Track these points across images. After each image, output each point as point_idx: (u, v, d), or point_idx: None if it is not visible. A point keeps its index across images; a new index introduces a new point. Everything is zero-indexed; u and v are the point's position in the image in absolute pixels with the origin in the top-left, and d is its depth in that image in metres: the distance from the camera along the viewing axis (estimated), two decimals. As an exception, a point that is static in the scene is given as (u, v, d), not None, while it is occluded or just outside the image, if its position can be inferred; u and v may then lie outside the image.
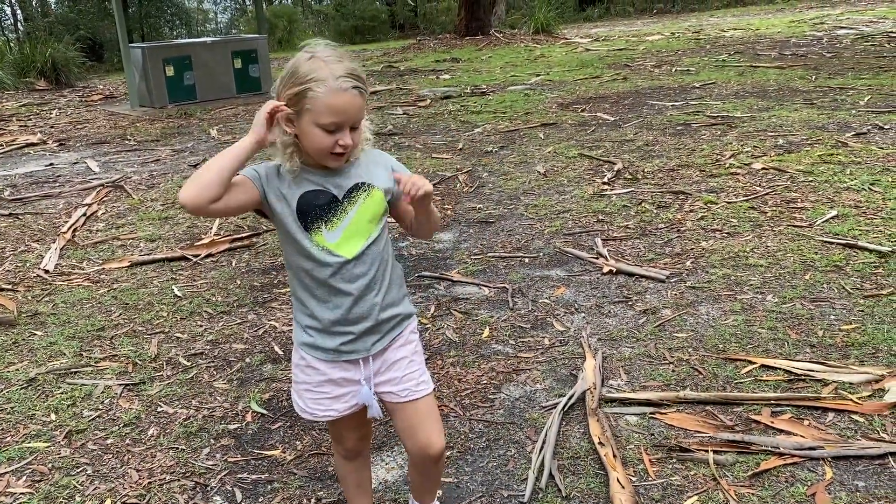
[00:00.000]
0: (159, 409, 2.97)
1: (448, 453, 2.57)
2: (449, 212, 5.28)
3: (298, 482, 2.48)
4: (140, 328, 3.71)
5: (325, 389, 1.84)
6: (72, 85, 14.66)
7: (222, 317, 3.79)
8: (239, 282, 4.23)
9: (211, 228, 5.19)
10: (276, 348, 3.41)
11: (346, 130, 1.65)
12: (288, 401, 2.98)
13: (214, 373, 3.24)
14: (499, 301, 3.78)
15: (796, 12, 20.52)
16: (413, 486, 2.11)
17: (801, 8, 21.93)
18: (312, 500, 2.38)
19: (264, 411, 2.91)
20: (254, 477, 2.52)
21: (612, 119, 7.91)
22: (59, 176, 7.06)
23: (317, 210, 1.72)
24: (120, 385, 3.16)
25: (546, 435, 2.55)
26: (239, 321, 3.72)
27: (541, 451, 2.47)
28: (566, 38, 18.38)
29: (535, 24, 18.89)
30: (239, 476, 2.53)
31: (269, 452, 2.65)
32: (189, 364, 3.32)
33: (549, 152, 6.72)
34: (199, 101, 11.00)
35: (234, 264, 4.52)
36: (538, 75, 11.98)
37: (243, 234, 5.01)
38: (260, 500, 2.40)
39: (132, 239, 5.11)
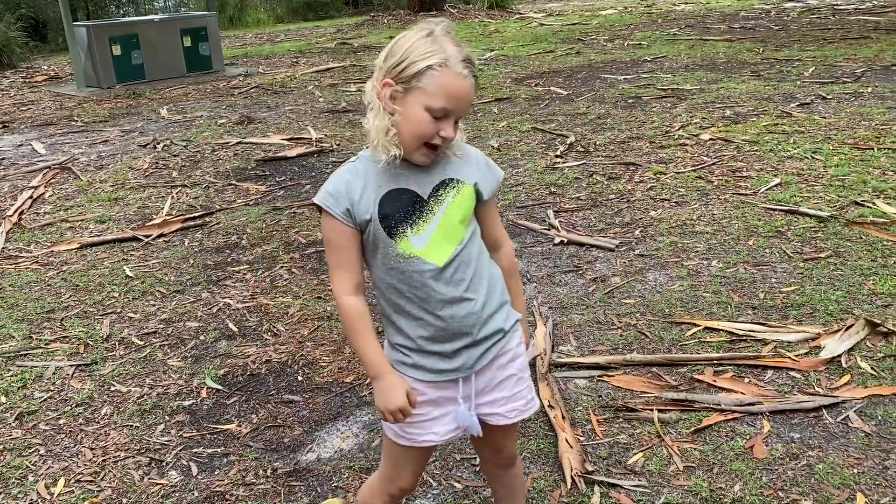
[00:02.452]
0: (112, 389, 2.95)
1: (403, 421, 2.62)
2: (404, 187, 5.29)
3: (254, 454, 2.50)
4: (91, 309, 3.67)
5: (423, 410, 1.62)
6: (14, 66, 14.20)
7: (175, 296, 3.77)
8: (192, 261, 4.20)
9: (162, 209, 5.13)
10: (231, 325, 3.41)
11: (451, 120, 1.50)
12: (243, 375, 2.99)
13: (168, 351, 3.23)
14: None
15: (746, -14, 20.78)
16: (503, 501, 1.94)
17: (750, -18, 22.24)
18: (269, 471, 2.41)
19: (219, 387, 2.92)
20: (210, 451, 2.54)
21: (566, 93, 7.97)
22: (3, 159, 6.88)
23: (400, 212, 1.53)
24: (71, 366, 3.13)
25: (498, 400, 2.61)
26: (192, 300, 3.71)
27: (493, 415, 2.53)
28: (521, 14, 18.38)
29: (489, 0, 18.82)
30: (194, 450, 2.54)
31: (224, 427, 2.67)
32: (142, 343, 3.31)
33: (502, 127, 6.76)
34: (148, 81, 10.76)
35: (186, 244, 4.48)
36: (492, 50, 11.98)
37: (196, 214, 4.97)
38: (216, 472, 2.42)
39: (81, 221, 5.03)
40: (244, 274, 3.97)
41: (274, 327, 3.36)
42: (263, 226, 4.67)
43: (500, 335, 1.63)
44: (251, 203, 5.15)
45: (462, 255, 1.56)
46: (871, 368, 2.65)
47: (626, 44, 11.34)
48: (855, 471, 2.18)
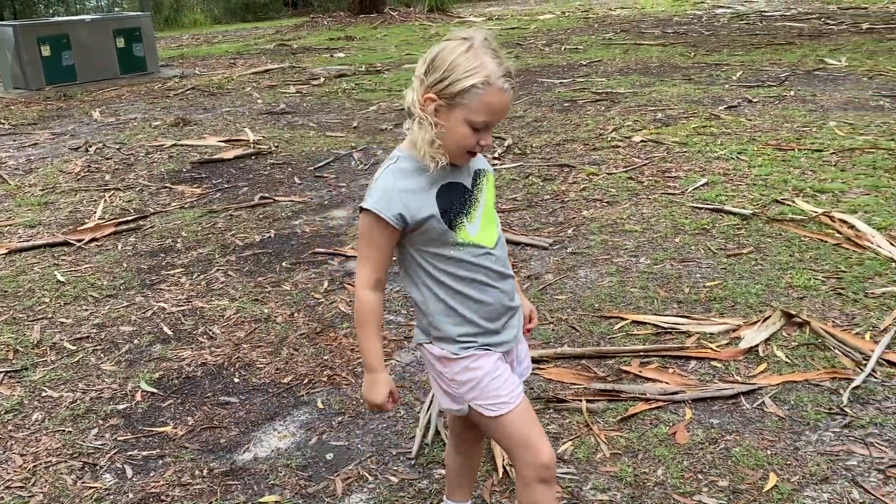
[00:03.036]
0: (44, 394, 2.91)
1: (340, 419, 2.66)
2: (344, 189, 5.31)
3: (190, 455, 2.50)
4: (21, 315, 3.59)
5: (502, 369, 1.71)
6: (-63, 66, 13.65)
7: (108, 300, 3.71)
8: (125, 265, 4.15)
9: (95, 213, 5.04)
10: (166, 329, 3.38)
11: (490, 130, 1.60)
12: (178, 378, 2.98)
13: (101, 356, 3.19)
14: (392, 273, 3.85)
15: (679, -8, 21.37)
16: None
17: (683, -12, 22.86)
18: (205, 471, 2.41)
19: (154, 390, 2.90)
20: (144, 453, 2.52)
21: (503, 96, 8.08)
22: (-75, 162, 6.63)
23: (455, 205, 1.64)
24: (0, 372, 3.06)
25: (433, 396, 2.67)
26: (126, 304, 3.66)
27: (428, 410, 2.59)
28: (461, 17, 18.53)
29: (430, 3, 18.94)
30: (129, 453, 2.53)
31: (159, 429, 2.66)
32: (74, 348, 3.26)
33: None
34: (80, 83, 10.48)
35: (120, 248, 4.41)
36: (432, 53, 12.06)
37: (129, 218, 4.89)
38: (151, 474, 2.42)
39: (10, 225, 4.90)
40: (179, 277, 3.93)
41: (210, 330, 3.35)
42: (199, 229, 4.63)
43: (518, 308, 1.78)
44: (186, 206, 5.09)
45: (500, 232, 1.73)
46: (786, 357, 2.80)
47: (563, 48, 11.56)
48: (768, 452, 2.31)
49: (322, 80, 10.01)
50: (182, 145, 6.71)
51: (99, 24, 11.15)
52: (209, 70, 11.65)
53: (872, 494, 2.12)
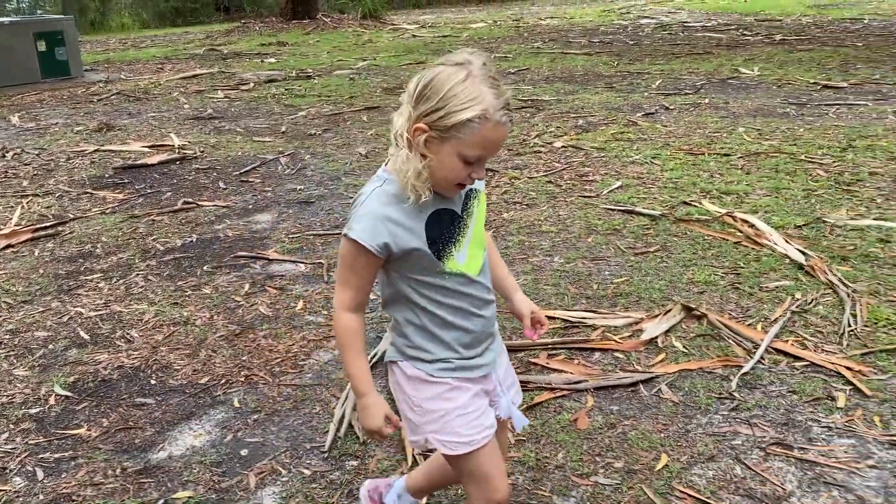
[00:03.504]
0: (-48, 401, 2.87)
1: (256, 416, 2.70)
2: (269, 193, 5.33)
3: (104, 455, 2.51)
4: (-71, 322, 3.51)
5: (475, 406, 1.66)
6: None
7: (23, 306, 3.66)
8: (42, 271, 4.09)
9: (11, 219, 4.93)
10: (83, 333, 3.36)
11: (483, 163, 1.52)
12: (94, 381, 2.97)
13: (14, 361, 3.15)
14: (314, 276, 3.92)
15: (607, 2, 21.97)
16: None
17: (611, -1, 23.51)
18: (118, 470, 2.43)
19: (69, 393, 2.89)
20: (57, 455, 2.52)
21: (432, 102, 8.21)
22: None
23: (445, 234, 1.57)
24: None
25: (348, 391, 2.74)
26: (42, 309, 3.62)
27: (343, 404, 2.66)
28: (394, 24, 18.63)
29: (363, 10, 19.00)
30: (41, 456, 2.52)
31: (73, 431, 2.66)
32: (-14, 354, 3.21)
33: (371, 135, 6.91)
34: (-1, 86, 10.20)
35: (37, 254, 4.34)
36: (364, 60, 12.13)
37: (48, 224, 4.81)
38: (63, 475, 2.42)
39: (-81, 232, 4.76)
40: (98, 282, 3.91)
41: (128, 334, 3.35)
42: (120, 234, 4.59)
43: (496, 332, 1.74)
44: (108, 211, 5.03)
45: (485, 257, 1.66)
46: (683, 347, 2.98)
47: (492, 56, 11.74)
48: (661, 435, 2.46)
49: (252, 85, 9.97)
50: (105, 150, 6.61)
51: (19, 26, 10.85)
52: (136, 75, 11.45)
53: (753, 470, 2.29)
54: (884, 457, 2.33)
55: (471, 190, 1.61)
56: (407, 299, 1.61)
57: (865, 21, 13.76)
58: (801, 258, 3.69)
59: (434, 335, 1.63)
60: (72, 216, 4.95)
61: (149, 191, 5.46)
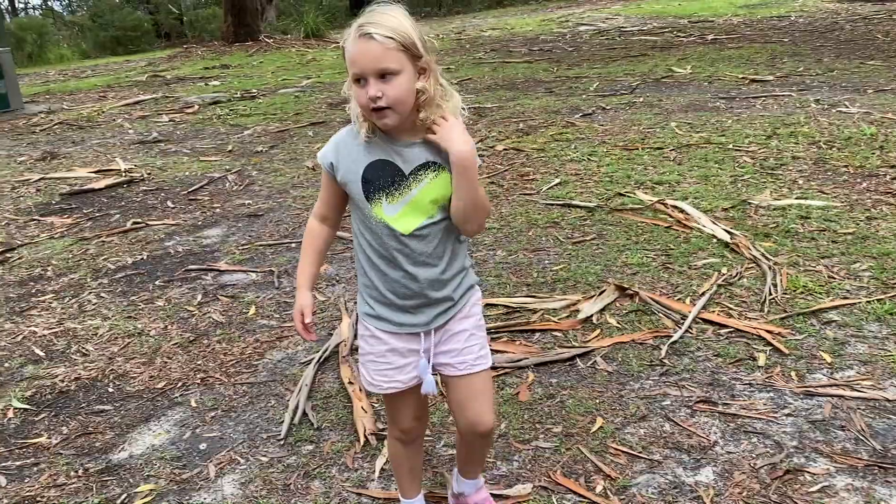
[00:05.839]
0: None
1: (213, 413, 2.80)
2: (218, 209, 5.41)
3: (65, 460, 2.59)
4: None
5: (388, 360, 1.84)
6: None
7: (-24, 329, 3.69)
8: (-7, 295, 4.12)
9: (-42, 248, 4.93)
10: (37, 350, 3.42)
11: (371, 82, 1.62)
12: (52, 394, 3.04)
13: (-30, 381, 3.19)
14: (265, 283, 4.02)
15: (547, 12, 22.42)
16: (459, 460, 2.10)
17: (551, 8, 23.97)
18: (80, 471, 2.51)
19: (27, 406, 2.95)
20: (18, 463, 2.59)
21: (377, 114, 8.36)
22: None
23: (380, 181, 1.71)
24: None
25: (302, 383, 2.86)
26: (-5, 331, 3.66)
27: (297, 395, 2.78)
28: (337, 43, 18.71)
29: (305, 29, 19.09)
30: (3, 465, 2.58)
31: (33, 440, 2.72)
32: (-59, 377, 3.24)
33: (317, 148, 7.00)
34: (-64, 122, 10.03)
35: (-13, 279, 4.36)
36: (309, 78, 12.23)
37: (-4, 250, 4.82)
38: (26, 480, 2.49)
39: None
40: (50, 303, 3.95)
41: (83, 348, 3.41)
42: (70, 256, 4.63)
43: (459, 294, 1.83)
44: (56, 236, 5.06)
45: (428, 229, 1.74)
46: (617, 323, 3.17)
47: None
48: (597, 401, 2.63)
49: (196, 107, 9.99)
50: (50, 178, 6.60)
51: (-46, 60, 10.70)
52: (78, 104, 11.37)
53: (681, 426, 2.47)
54: (799, 405, 2.54)
55: (431, 162, 1.71)
56: (355, 232, 1.82)
57: (791, 18, 14.36)
58: (727, 237, 3.93)
59: (363, 272, 1.83)
60: (20, 243, 4.97)
61: (97, 214, 5.50)
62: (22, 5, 33.65)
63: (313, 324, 1.87)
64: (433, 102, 1.70)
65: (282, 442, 2.56)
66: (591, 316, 3.22)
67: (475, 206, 1.74)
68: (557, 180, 5.23)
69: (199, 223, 5.11)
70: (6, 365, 3.31)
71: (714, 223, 4.15)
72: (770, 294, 3.31)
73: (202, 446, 2.60)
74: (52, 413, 2.90)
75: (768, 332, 3.00)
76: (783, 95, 7.38)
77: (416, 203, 1.72)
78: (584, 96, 8.36)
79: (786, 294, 3.32)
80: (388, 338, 1.83)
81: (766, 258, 3.66)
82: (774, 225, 4.09)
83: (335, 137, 1.79)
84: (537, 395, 2.70)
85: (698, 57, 10.46)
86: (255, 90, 11.24)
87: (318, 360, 3.05)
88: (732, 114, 6.79)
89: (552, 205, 4.74)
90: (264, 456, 2.51)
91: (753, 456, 2.31)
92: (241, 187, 5.95)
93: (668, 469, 2.28)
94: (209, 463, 2.49)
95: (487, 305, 3.41)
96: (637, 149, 5.87)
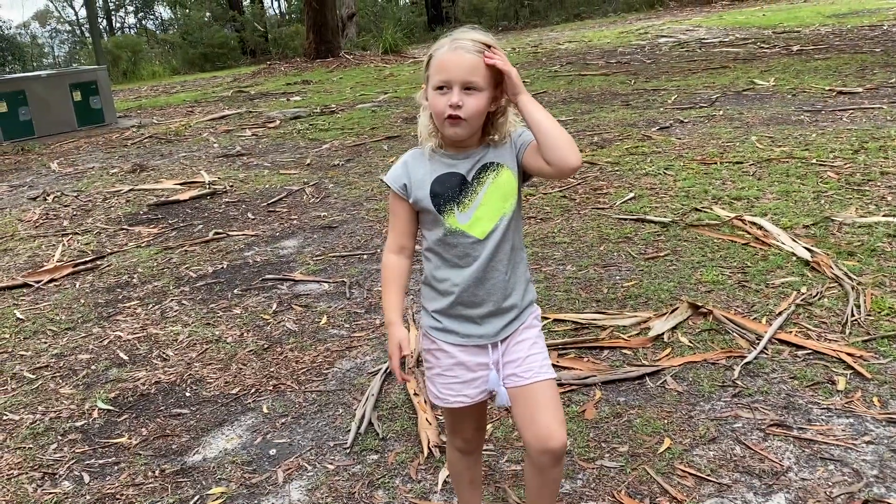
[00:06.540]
0: (4, 418, 3.09)
1: (283, 420, 2.88)
2: (295, 221, 5.56)
3: (144, 460, 2.70)
4: (-18, 351, 3.77)
5: (455, 373, 1.85)
6: None
7: (67, 333, 3.90)
8: (83, 301, 4.34)
9: (53, 256, 5.22)
10: (122, 354, 3.58)
11: (454, 90, 1.69)
12: (133, 396, 3.18)
13: (60, 381, 3.38)
14: (337, 293, 4.11)
15: (626, 24, 22.17)
16: (528, 492, 1.92)
17: (630, 20, 23.71)
18: (157, 472, 2.61)
19: (110, 407, 3.10)
20: (101, 461, 2.72)
21: (451, 128, 8.43)
22: None
23: (448, 192, 1.77)
24: (-37, 402, 3.24)
25: (369, 393, 2.91)
26: (84, 335, 3.85)
27: (364, 405, 2.83)
28: (415, 58, 19.04)
29: (384, 45, 19.46)
30: (87, 463, 2.72)
31: (115, 440, 2.86)
32: (34, 377, 3.44)
33: (391, 162, 7.13)
34: (38, 137, 10.67)
35: (77, 286, 4.60)
36: (386, 93, 12.45)
37: (87, 259, 5.08)
38: (108, 478, 2.61)
39: (-30, 272, 5.06)
40: (135, 309, 4.14)
41: (164, 353, 3.56)
42: (154, 264, 4.84)
43: (524, 304, 1.86)
44: (143, 245, 5.30)
45: (499, 230, 1.78)
46: (689, 342, 3.09)
47: (510, 81, 11.98)
48: (665, 421, 2.58)
49: (277, 122, 10.31)
50: (139, 190, 6.93)
51: (55, 78, 11.38)
52: (167, 118, 11.90)
53: (752, 449, 2.40)
54: (881, 433, 2.43)
55: (490, 163, 1.78)
56: (424, 244, 1.85)
57: (884, 27, 13.76)
58: (807, 255, 3.79)
59: (431, 286, 1.85)
60: (109, 251, 5.23)
61: (181, 224, 5.73)
62: (119, 24, 35.48)
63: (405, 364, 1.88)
64: (502, 128, 1.79)
65: (348, 451, 2.61)
66: (662, 334, 3.15)
67: (554, 125, 1.72)
68: (631, 194, 5.16)
69: (277, 234, 5.27)
70: (93, 367, 3.48)
71: (794, 240, 4.00)
72: (852, 315, 3.18)
73: (272, 452, 2.67)
74: (134, 415, 3.04)
75: (849, 354, 2.88)
76: (873, 108, 7.07)
77: (485, 205, 1.78)
78: (661, 109, 8.22)
79: (869, 316, 3.17)
80: (456, 351, 1.84)
81: (850, 277, 3.51)
82: (859, 243, 3.92)
83: (402, 159, 1.84)
84: (604, 413, 2.66)
85: (782, 68, 10.14)
86: (333, 105, 11.52)
87: (385, 371, 3.09)
88: (817, 127, 6.55)
89: (625, 219, 4.68)
90: (331, 464, 2.56)
91: (830, 484, 2.22)
92: (318, 200, 6.10)
93: (738, 494, 2.21)
94: (278, 468, 2.56)
95: (555, 321, 3.39)
96: (715, 163, 5.72)
